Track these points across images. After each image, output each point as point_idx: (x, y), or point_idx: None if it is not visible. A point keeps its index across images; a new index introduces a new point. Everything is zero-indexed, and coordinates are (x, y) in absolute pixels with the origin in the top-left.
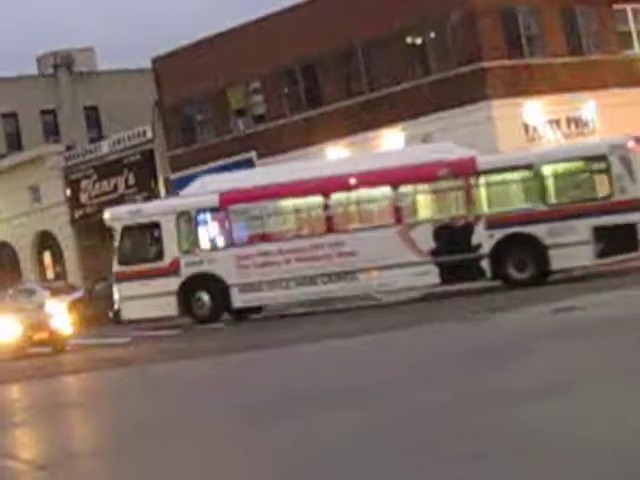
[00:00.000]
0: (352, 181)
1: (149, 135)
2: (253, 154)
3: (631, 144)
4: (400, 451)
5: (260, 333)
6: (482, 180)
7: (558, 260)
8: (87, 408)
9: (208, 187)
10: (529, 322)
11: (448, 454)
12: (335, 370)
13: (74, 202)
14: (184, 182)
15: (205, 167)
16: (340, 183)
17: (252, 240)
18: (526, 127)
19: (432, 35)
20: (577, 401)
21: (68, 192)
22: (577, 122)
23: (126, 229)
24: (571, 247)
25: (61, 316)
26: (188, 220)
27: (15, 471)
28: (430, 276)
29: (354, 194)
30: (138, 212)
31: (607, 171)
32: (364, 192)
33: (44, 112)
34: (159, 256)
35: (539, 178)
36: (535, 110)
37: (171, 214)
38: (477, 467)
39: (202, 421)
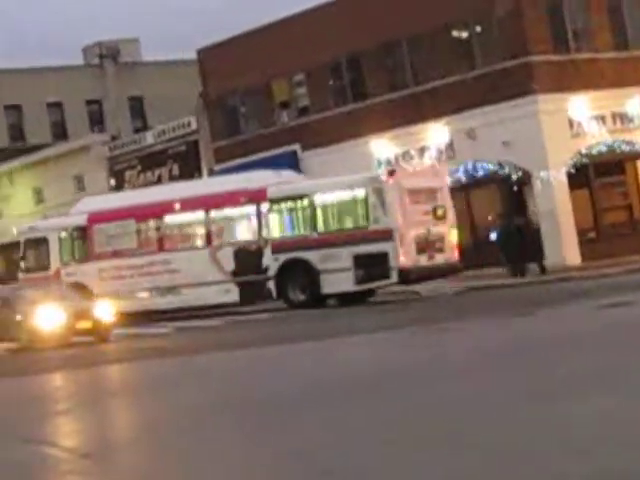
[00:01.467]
0: (176, 206)
1: (194, 126)
2: (297, 147)
3: (384, 177)
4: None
5: (296, 325)
6: (270, 208)
7: (327, 285)
8: (130, 397)
9: (86, 207)
10: (580, 317)
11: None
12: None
13: (118, 191)
14: (228, 173)
15: (249, 159)
16: (167, 207)
17: (108, 255)
18: (571, 122)
19: (478, 29)
20: None
21: (112, 182)
22: (622, 118)
23: (27, 242)
24: (337, 273)
25: (105, 305)
26: (67, 236)
27: (59, 459)
28: (232, 294)
29: (178, 217)
30: (34, 228)
31: (365, 202)
32: (185, 216)
33: (89, 102)
34: (47, 266)
35: (312, 207)
36: (580, 105)
37: (55, 230)
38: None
39: (240, 411)
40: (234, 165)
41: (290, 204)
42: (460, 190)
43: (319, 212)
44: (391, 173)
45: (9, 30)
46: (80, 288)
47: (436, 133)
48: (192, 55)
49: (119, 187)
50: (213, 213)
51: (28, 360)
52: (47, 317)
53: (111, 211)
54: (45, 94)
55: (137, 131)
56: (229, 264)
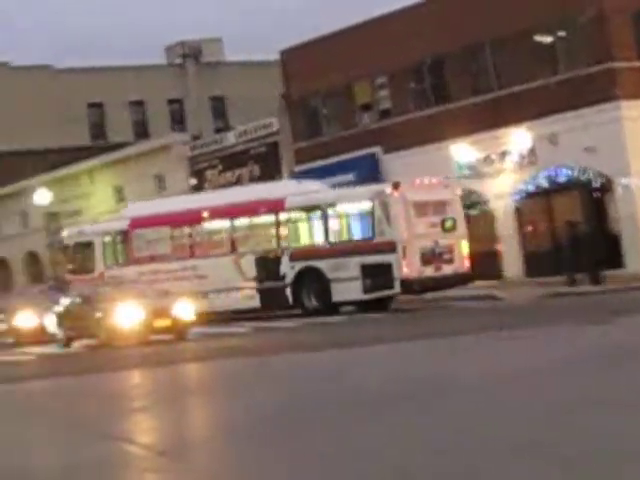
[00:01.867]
0: (204, 214)
1: (275, 127)
2: (377, 149)
3: (389, 190)
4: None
5: (367, 329)
6: (288, 217)
7: (337, 293)
8: (206, 396)
9: (130, 212)
10: None
11: None
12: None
13: (198, 192)
14: (308, 175)
15: (329, 161)
16: (196, 216)
17: (146, 260)
18: None
19: (562, 33)
20: None
21: (193, 182)
22: None
23: (75, 245)
24: (346, 282)
25: (184, 304)
26: (110, 240)
27: (136, 456)
28: (254, 300)
29: (206, 225)
30: (82, 232)
31: (372, 214)
32: (213, 224)
33: (171, 101)
34: (92, 269)
35: (324, 218)
36: None
37: (99, 235)
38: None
39: (318, 412)
40: (314, 167)
41: (305, 214)
42: (541, 195)
43: (330, 223)
44: (395, 186)
45: (93, 29)
46: None
47: (518, 138)
48: (274, 56)
49: (199, 187)
50: (237, 222)
51: (106, 357)
52: (126, 315)
53: (149, 217)
54: (127, 93)
55: (218, 131)
56: (251, 271)
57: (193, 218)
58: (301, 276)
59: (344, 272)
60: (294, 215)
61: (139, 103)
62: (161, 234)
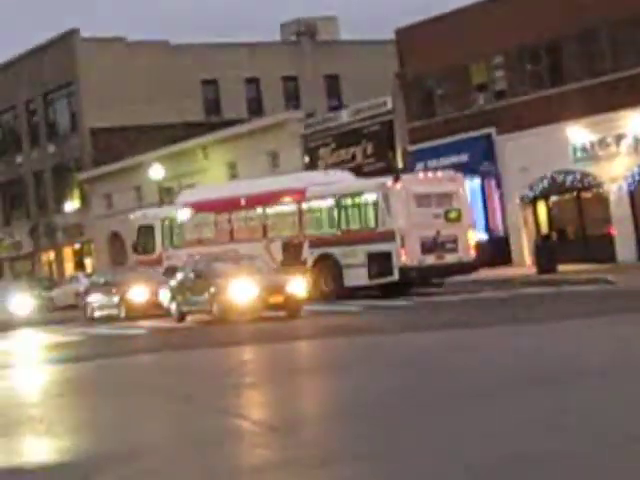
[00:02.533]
0: (241, 202)
1: (389, 106)
2: (492, 130)
3: (390, 183)
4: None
5: (473, 311)
6: (308, 207)
7: (348, 279)
8: (318, 374)
9: (185, 198)
10: None
11: None
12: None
13: (312, 169)
14: (422, 154)
15: (443, 141)
16: (235, 203)
17: (195, 243)
18: None
19: None
20: None
21: (306, 159)
22: None
23: (140, 228)
24: (355, 268)
25: (298, 281)
26: (168, 224)
27: (248, 432)
28: None
29: (243, 212)
30: (146, 216)
31: (375, 205)
32: (249, 211)
33: (285, 79)
34: (153, 250)
35: (338, 208)
36: None
37: (159, 219)
38: None
39: (426, 395)
40: (428, 146)
41: (322, 204)
42: None
43: (342, 213)
44: (396, 179)
45: (208, 6)
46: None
47: (634, 121)
48: (389, 35)
49: (313, 164)
50: (267, 209)
51: (218, 332)
52: (240, 290)
53: (198, 203)
54: (242, 70)
55: (332, 109)
56: (279, 255)
57: (231, 205)
58: (318, 262)
59: (353, 259)
60: (313, 204)
61: (254, 80)
62: (207, 219)
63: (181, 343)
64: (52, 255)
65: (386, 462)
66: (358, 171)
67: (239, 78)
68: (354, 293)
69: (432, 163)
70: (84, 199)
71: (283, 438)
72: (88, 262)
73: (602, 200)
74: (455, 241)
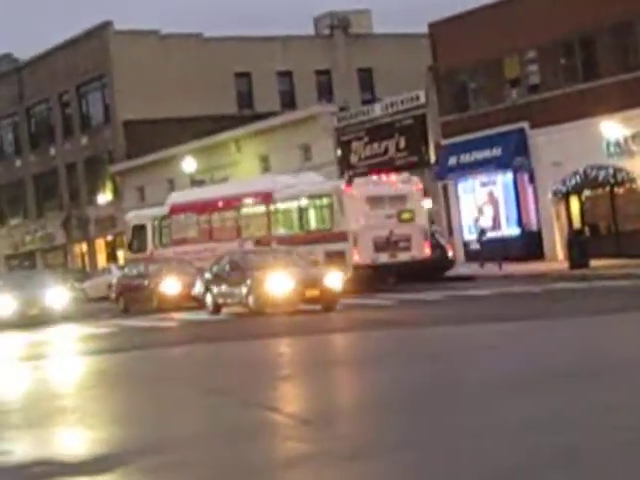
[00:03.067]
0: (219, 204)
1: (422, 100)
2: (525, 124)
3: (343, 186)
4: None
5: (509, 305)
6: (275, 208)
7: None
8: (352, 367)
9: (172, 199)
10: None
11: None
12: None
13: (344, 163)
14: (455, 148)
15: (476, 135)
16: (213, 204)
17: (180, 242)
18: None
19: None
20: None
21: (339, 152)
22: None
23: (134, 227)
24: None
25: (334, 274)
26: (158, 224)
27: (280, 424)
28: None
29: (220, 214)
30: (139, 216)
31: (331, 207)
32: (225, 212)
33: (318, 72)
34: (145, 248)
35: (299, 210)
36: None
37: (150, 219)
38: None
39: (468, 386)
40: (461, 140)
41: (287, 206)
42: None
43: (304, 214)
44: (348, 183)
45: None
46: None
47: None
48: (423, 28)
49: (345, 158)
50: (241, 211)
51: (255, 325)
52: (276, 283)
53: (184, 205)
54: (275, 63)
55: (365, 103)
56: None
57: (210, 207)
58: None
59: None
60: (280, 206)
61: (286, 73)
62: (190, 220)
63: (215, 335)
64: (84, 247)
65: (418, 455)
66: (390, 164)
67: (272, 71)
68: None
69: (465, 157)
70: (116, 191)
71: (316, 431)
72: (120, 254)
73: (635, 195)
74: (408, 240)
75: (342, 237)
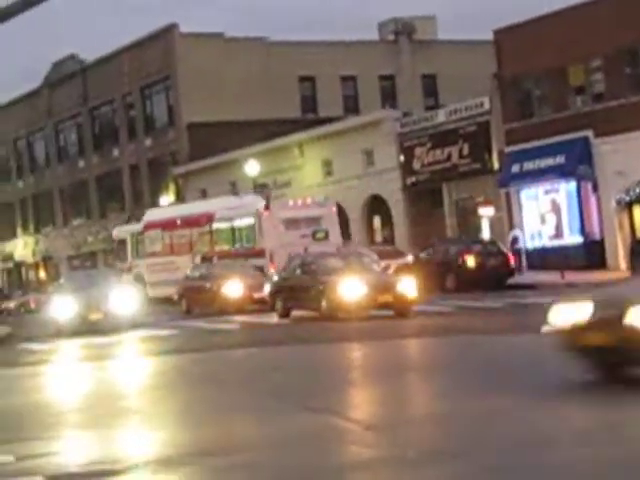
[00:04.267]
0: (177, 222)
1: (486, 107)
2: (589, 133)
3: (261, 210)
4: None
5: None
6: (216, 227)
7: None
8: (419, 373)
9: (148, 216)
10: None
11: None
12: None
13: (407, 168)
14: (518, 156)
15: (540, 143)
16: (172, 222)
17: (151, 255)
18: None
19: None
20: None
21: (402, 158)
22: None
23: (118, 241)
24: None
25: (408, 280)
26: (135, 239)
27: (343, 429)
28: None
29: (178, 231)
30: (120, 231)
31: (252, 228)
32: (181, 230)
33: (382, 77)
34: (126, 259)
35: (232, 229)
36: None
37: (130, 233)
38: None
39: (519, 394)
40: (524, 148)
41: (223, 226)
42: None
43: (236, 233)
44: (266, 207)
45: (306, 4)
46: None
47: None
48: (487, 35)
49: (408, 164)
50: (193, 229)
51: (324, 329)
52: (350, 288)
53: (154, 222)
54: (339, 67)
55: (429, 109)
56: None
57: (172, 225)
58: None
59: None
60: (219, 226)
61: (350, 78)
62: (158, 236)
63: (283, 338)
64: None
65: (479, 462)
66: (453, 171)
67: (336, 76)
68: None
69: (528, 165)
70: (179, 193)
71: (379, 437)
72: None
73: None
74: None
75: (262, 254)
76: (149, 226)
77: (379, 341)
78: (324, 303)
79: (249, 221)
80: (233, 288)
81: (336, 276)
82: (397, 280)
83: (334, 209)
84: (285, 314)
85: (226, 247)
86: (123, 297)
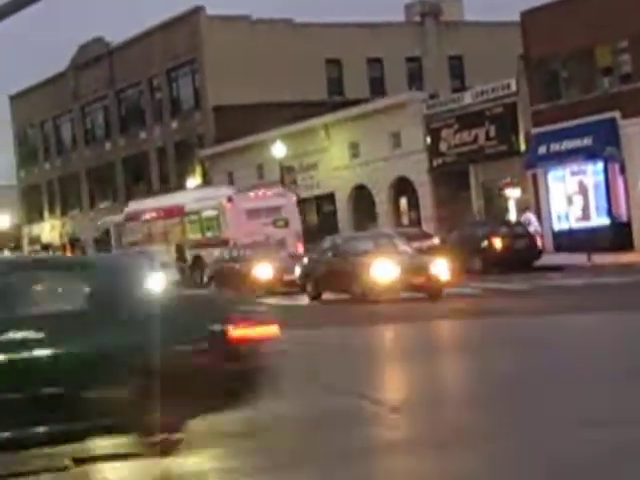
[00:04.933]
0: (154, 214)
1: (513, 88)
2: (617, 114)
3: (224, 202)
4: None
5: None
6: (187, 219)
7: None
8: (447, 354)
9: (128, 208)
10: None
11: None
12: None
13: (433, 150)
14: (545, 137)
15: (567, 124)
16: (151, 214)
17: (131, 244)
18: None
19: None
20: None
21: (428, 140)
22: None
23: (103, 231)
24: None
25: (441, 262)
26: (117, 228)
27: (366, 411)
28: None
29: (156, 222)
30: (105, 222)
31: (217, 219)
32: (158, 221)
33: (409, 59)
34: (111, 249)
35: (200, 219)
36: None
37: (112, 224)
38: None
39: (547, 378)
40: (551, 129)
41: (193, 217)
42: None
43: (204, 223)
44: (229, 199)
45: None
46: None
47: None
48: (514, 17)
49: (435, 145)
50: (168, 220)
51: (355, 311)
52: (383, 270)
53: (134, 213)
54: (365, 49)
55: (455, 90)
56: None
57: (149, 216)
58: (194, 260)
59: (211, 259)
60: (190, 217)
61: (377, 60)
62: (138, 226)
63: (314, 320)
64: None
65: (503, 445)
66: (480, 153)
67: (362, 58)
68: None
69: (555, 146)
70: (205, 176)
71: (403, 419)
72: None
73: None
74: (283, 242)
75: (225, 242)
76: (130, 217)
77: (408, 323)
78: (356, 285)
79: (214, 212)
80: (263, 270)
81: (368, 258)
82: (430, 262)
83: (294, 199)
84: (316, 297)
85: (196, 236)
86: (160, 281)
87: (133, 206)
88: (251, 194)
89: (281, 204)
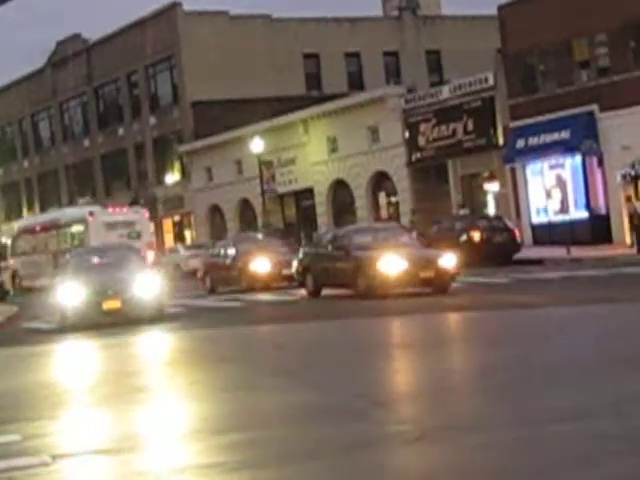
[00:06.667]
0: (37, 228)
1: (491, 82)
2: (594, 107)
3: (87, 216)
4: None
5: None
6: (62, 232)
7: None
8: (437, 348)
9: (21, 222)
10: None
11: None
12: None
13: (412, 144)
14: (523, 131)
15: (544, 118)
16: (33, 228)
17: (21, 254)
18: None
19: None
20: None
21: (406, 134)
22: None
23: (2, 245)
24: None
25: (449, 256)
26: (13, 239)
27: (350, 407)
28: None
29: (39, 235)
30: (5, 233)
31: (83, 231)
32: (43, 234)
33: (386, 54)
34: (6, 257)
35: (70, 231)
36: None
37: (10, 238)
38: None
39: (529, 369)
40: (529, 123)
41: (65, 230)
42: None
43: (74, 235)
44: (91, 214)
45: None
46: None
47: None
48: (491, 11)
49: (413, 140)
50: (48, 233)
51: (354, 306)
52: (389, 264)
53: (24, 227)
54: (343, 44)
55: (433, 85)
56: (55, 263)
57: (34, 230)
58: None
59: None
60: (63, 230)
61: (355, 55)
62: (26, 239)
63: (311, 315)
64: (152, 226)
65: (487, 438)
66: (458, 147)
67: (340, 52)
68: None
69: (533, 140)
70: (184, 171)
71: (386, 413)
72: (188, 234)
73: None
74: (137, 252)
75: None
76: (21, 231)
77: (407, 315)
78: (361, 280)
79: (80, 226)
80: (260, 265)
81: (373, 251)
82: (438, 255)
83: (146, 215)
84: (316, 292)
85: (67, 246)
86: (148, 282)
87: (23, 221)
88: (109, 210)
89: (135, 219)
